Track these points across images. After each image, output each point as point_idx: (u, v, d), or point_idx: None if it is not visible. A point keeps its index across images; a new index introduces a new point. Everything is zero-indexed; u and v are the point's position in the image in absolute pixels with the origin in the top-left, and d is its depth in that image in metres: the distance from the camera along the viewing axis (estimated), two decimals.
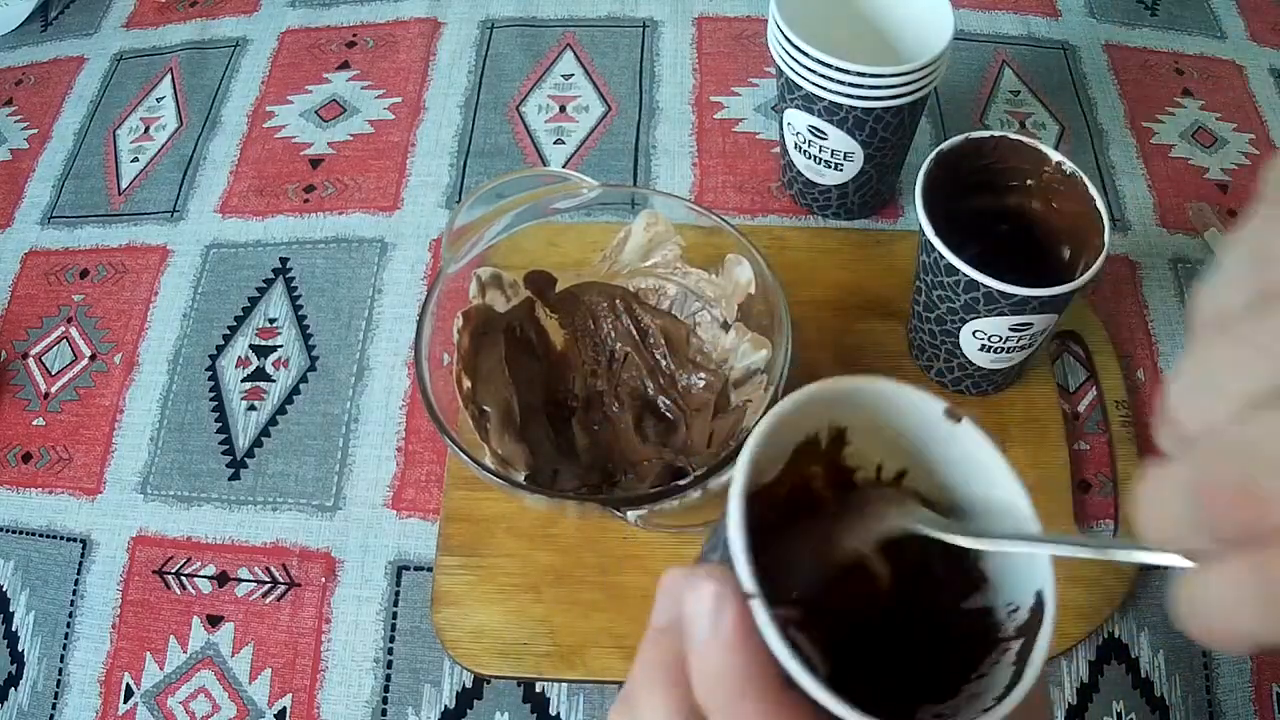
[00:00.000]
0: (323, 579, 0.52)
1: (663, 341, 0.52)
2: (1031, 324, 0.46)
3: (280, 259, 0.63)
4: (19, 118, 0.73)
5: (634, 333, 0.53)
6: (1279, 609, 0.16)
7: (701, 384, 0.51)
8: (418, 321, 0.44)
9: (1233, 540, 0.17)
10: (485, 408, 0.47)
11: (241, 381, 0.58)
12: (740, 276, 0.48)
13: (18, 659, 0.51)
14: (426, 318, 0.44)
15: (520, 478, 0.45)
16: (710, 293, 0.51)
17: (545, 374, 0.52)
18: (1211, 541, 0.17)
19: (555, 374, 0.53)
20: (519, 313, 0.51)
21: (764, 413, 0.41)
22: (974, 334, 0.48)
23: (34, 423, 0.58)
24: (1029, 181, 0.49)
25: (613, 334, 0.53)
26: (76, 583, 0.53)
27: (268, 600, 0.51)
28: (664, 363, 0.52)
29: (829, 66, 0.50)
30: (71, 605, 0.52)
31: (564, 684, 0.49)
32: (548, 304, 0.53)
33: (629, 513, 0.41)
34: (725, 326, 0.51)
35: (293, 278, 0.62)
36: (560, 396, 0.52)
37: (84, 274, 0.64)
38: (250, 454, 0.56)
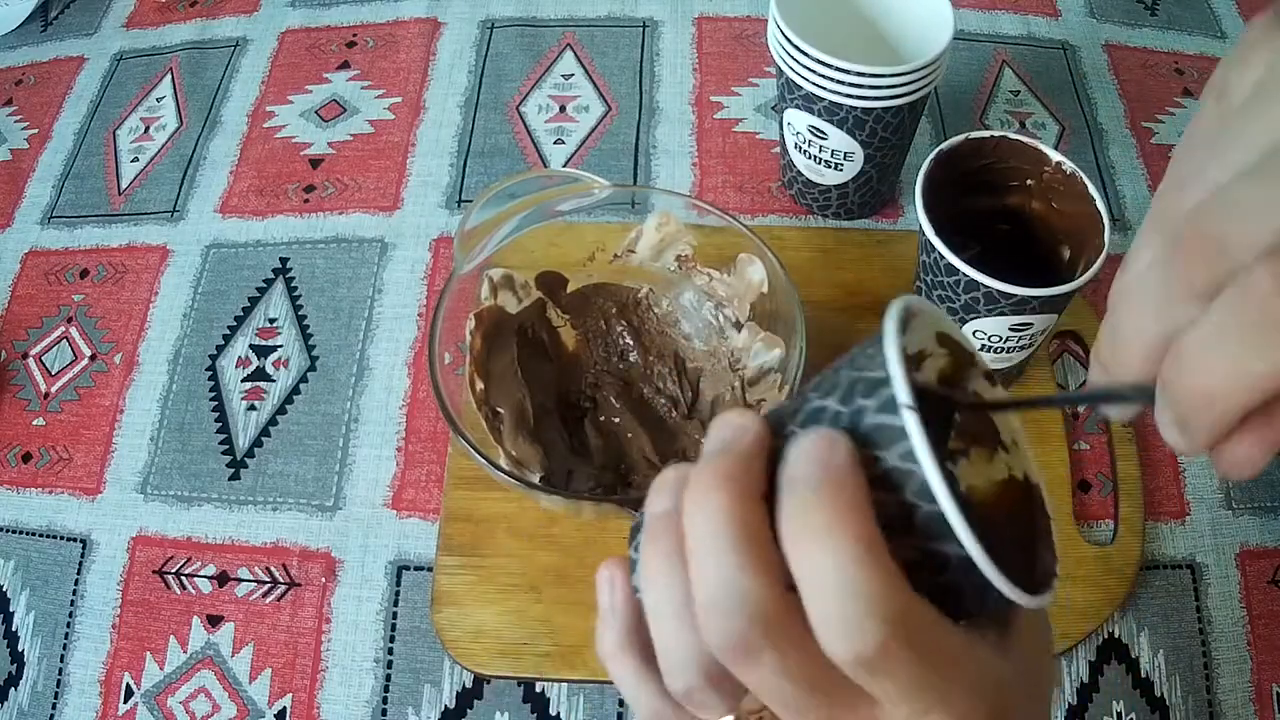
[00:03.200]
0: (323, 579, 0.52)
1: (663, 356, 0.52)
2: (1031, 324, 0.46)
3: (280, 259, 0.63)
4: (19, 118, 0.73)
5: (641, 339, 0.53)
6: (1269, 330, 0.18)
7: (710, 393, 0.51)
8: (430, 322, 0.44)
9: (1206, 292, 0.19)
10: (499, 409, 0.47)
11: (241, 381, 0.58)
12: (753, 276, 0.48)
13: (18, 659, 0.51)
14: (439, 318, 0.44)
15: (535, 478, 0.45)
16: (722, 292, 0.51)
17: (557, 375, 0.52)
18: (1188, 298, 0.19)
19: (567, 374, 0.53)
20: (531, 314, 0.51)
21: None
22: (974, 334, 0.48)
23: (34, 423, 0.58)
24: (1029, 181, 0.49)
25: (624, 336, 0.53)
26: (76, 583, 0.53)
27: (268, 600, 0.51)
28: (669, 368, 0.53)
29: (829, 66, 0.50)
30: (71, 605, 0.52)
31: (564, 684, 0.49)
32: (559, 305, 0.53)
33: None
34: (738, 326, 0.51)
35: (293, 278, 0.62)
36: (572, 397, 0.52)
37: (84, 274, 0.64)
38: (250, 454, 0.56)
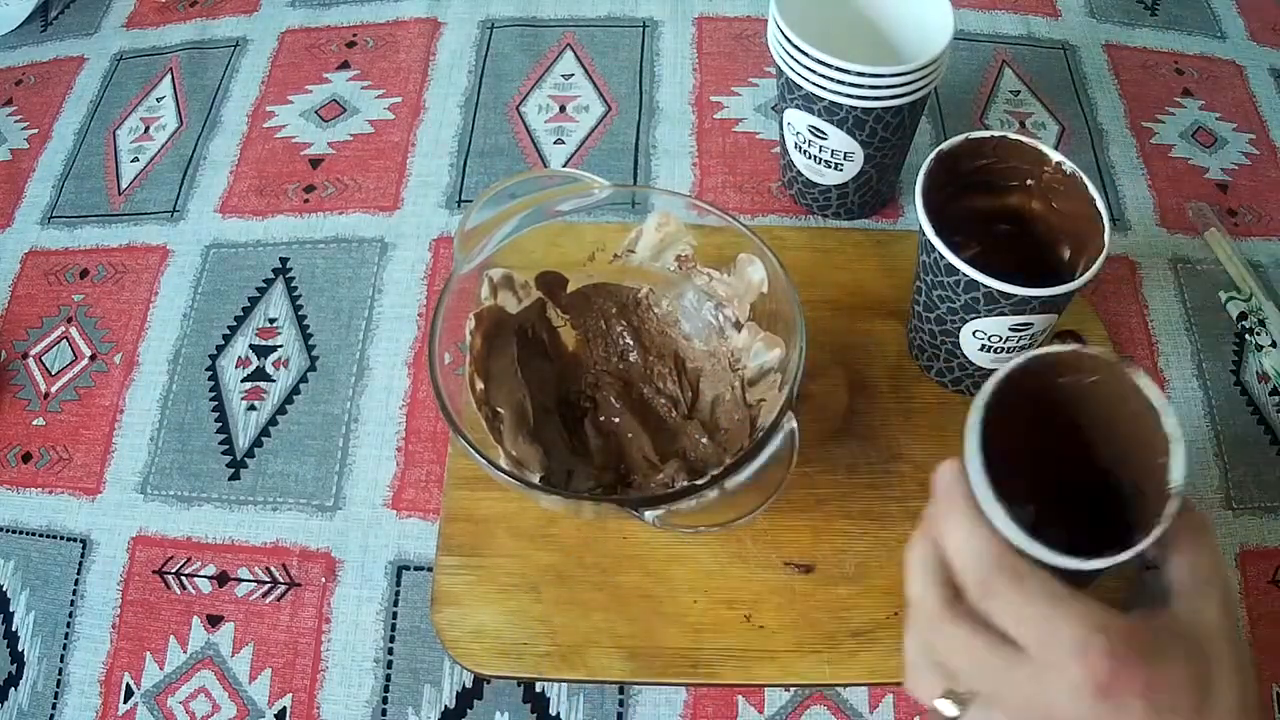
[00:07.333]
0: (323, 579, 0.52)
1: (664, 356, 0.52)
2: (1031, 324, 0.46)
3: (280, 259, 0.63)
4: (19, 118, 0.73)
5: (641, 339, 0.53)
6: None
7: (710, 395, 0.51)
8: (430, 322, 0.44)
9: None
10: (499, 409, 0.47)
11: (241, 381, 0.58)
12: (753, 276, 0.48)
13: (18, 659, 0.51)
14: (439, 318, 0.44)
15: (535, 478, 0.45)
16: (722, 292, 0.51)
17: (557, 375, 0.52)
18: None
19: (567, 374, 0.53)
20: (531, 314, 0.51)
21: (779, 413, 0.41)
22: (974, 334, 0.48)
23: (34, 423, 0.58)
24: (1029, 181, 0.49)
25: (624, 336, 0.53)
26: (76, 583, 0.53)
27: (268, 600, 0.51)
28: (669, 368, 0.53)
29: (829, 66, 0.50)
30: (71, 605, 0.52)
31: (564, 684, 0.49)
32: (559, 305, 0.53)
33: (646, 512, 0.41)
34: (738, 326, 0.51)
35: (293, 278, 0.62)
36: (572, 397, 0.52)
37: (84, 274, 0.64)
38: (250, 454, 0.56)
